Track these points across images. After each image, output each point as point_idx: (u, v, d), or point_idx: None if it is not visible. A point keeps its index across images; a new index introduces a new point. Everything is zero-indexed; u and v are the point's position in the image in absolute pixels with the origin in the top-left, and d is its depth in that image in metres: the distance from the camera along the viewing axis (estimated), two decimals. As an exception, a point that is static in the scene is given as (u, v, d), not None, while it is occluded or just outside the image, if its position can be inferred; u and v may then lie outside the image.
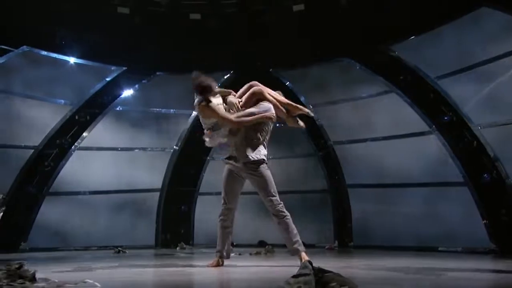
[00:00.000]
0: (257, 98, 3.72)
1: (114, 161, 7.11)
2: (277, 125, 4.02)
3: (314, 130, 7.13)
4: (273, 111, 3.69)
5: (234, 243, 6.63)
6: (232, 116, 3.61)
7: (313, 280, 2.13)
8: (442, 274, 3.22)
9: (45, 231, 6.50)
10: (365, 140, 6.65)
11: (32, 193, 6.54)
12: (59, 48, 6.56)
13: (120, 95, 7.21)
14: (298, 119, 3.93)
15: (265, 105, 3.68)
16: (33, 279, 2.51)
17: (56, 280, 2.50)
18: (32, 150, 6.53)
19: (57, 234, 6.58)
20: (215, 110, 3.59)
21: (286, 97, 3.97)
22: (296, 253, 3.49)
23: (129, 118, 7.27)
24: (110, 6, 6.54)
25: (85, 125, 6.94)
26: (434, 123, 5.99)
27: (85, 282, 2.51)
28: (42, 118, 6.61)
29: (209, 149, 7.58)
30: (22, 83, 6.39)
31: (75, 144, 6.89)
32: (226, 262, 3.77)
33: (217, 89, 3.77)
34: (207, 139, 3.70)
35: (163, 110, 7.43)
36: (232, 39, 6.95)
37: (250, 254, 5.14)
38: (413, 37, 6.16)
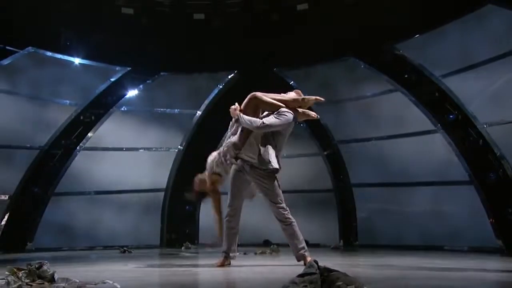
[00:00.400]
0: (255, 103, 3.61)
1: (119, 161, 7.12)
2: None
3: (319, 129, 7.11)
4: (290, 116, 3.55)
5: (239, 243, 6.65)
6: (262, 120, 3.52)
7: (319, 279, 2.13)
8: (447, 273, 3.21)
9: (51, 231, 6.52)
10: (370, 139, 6.63)
11: (37, 193, 6.58)
12: (64, 48, 6.59)
13: (125, 95, 7.23)
14: (308, 112, 3.83)
15: (284, 111, 3.57)
16: (52, 279, 2.52)
17: (77, 281, 2.51)
18: (38, 151, 6.57)
19: (63, 234, 6.61)
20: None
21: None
22: (302, 258, 3.54)
23: (134, 118, 7.29)
24: (114, 6, 6.57)
25: (90, 126, 6.96)
26: (439, 121, 5.96)
27: (104, 283, 2.52)
28: (47, 118, 6.64)
29: (214, 149, 7.60)
30: (27, 84, 6.42)
31: (80, 144, 6.91)
32: (233, 262, 3.77)
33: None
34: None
35: (168, 110, 7.43)
36: (236, 39, 6.95)
37: (255, 253, 5.14)
38: (417, 35, 6.13)
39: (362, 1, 6.23)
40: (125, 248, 6.05)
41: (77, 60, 6.77)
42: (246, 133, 3.58)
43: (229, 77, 7.45)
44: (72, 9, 6.24)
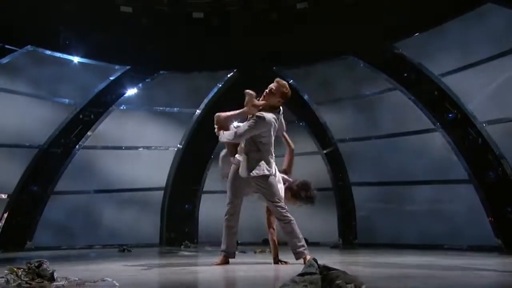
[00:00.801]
0: (219, 122, 3.64)
1: (118, 160, 7.12)
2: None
3: (318, 128, 7.12)
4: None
5: (239, 241, 6.65)
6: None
7: (319, 279, 2.13)
8: (447, 272, 3.21)
9: (50, 230, 6.53)
10: (369, 138, 6.63)
11: (37, 192, 6.58)
12: (63, 47, 6.57)
13: (124, 94, 7.22)
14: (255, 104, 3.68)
15: (257, 116, 3.52)
16: (51, 278, 2.53)
17: (77, 279, 2.52)
18: (37, 149, 6.55)
19: (62, 233, 6.61)
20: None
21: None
22: (301, 256, 3.54)
23: (133, 117, 7.27)
24: (114, 5, 6.54)
25: (90, 124, 6.95)
26: (439, 120, 5.97)
27: (104, 281, 2.53)
28: (47, 117, 6.63)
29: (213, 147, 7.63)
30: (26, 83, 6.41)
31: (80, 143, 6.91)
32: (233, 260, 3.77)
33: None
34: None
35: (167, 109, 7.43)
36: (235, 37, 6.94)
37: (255, 252, 5.14)
38: (417, 34, 6.12)
39: (361, 0, 6.22)
40: (124, 247, 6.05)
41: (76, 59, 6.76)
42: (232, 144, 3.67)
43: (229, 76, 7.45)
44: (71, 8, 6.22)
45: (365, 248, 5.96)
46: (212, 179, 7.39)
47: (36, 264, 2.61)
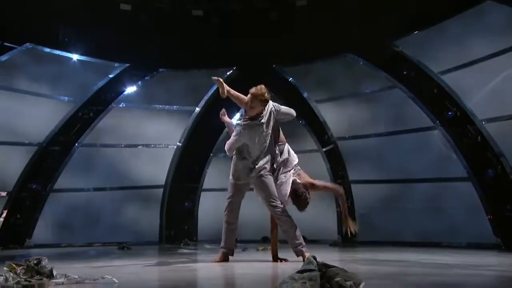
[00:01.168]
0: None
1: (117, 157, 7.11)
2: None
3: (318, 126, 7.11)
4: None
5: (238, 239, 6.65)
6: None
7: (318, 276, 2.13)
8: (445, 269, 3.22)
9: (49, 227, 6.52)
10: (368, 136, 6.62)
11: (36, 189, 6.57)
12: (62, 45, 6.55)
13: (123, 91, 7.20)
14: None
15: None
16: (50, 275, 2.53)
17: (76, 276, 2.53)
18: (36, 147, 6.54)
19: (62, 231, 6.61)
20: None
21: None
22: (300, 253, 3.57)
23: (132, 114, 7.26)
24: (113, 2, 6.52)
25: (89, 122, 6.94)
26: (438, 118, 5.95)
27: (103, 278, 2.53)
28: (46, 115, 6.61)
29: (213, 145, 7.62)
30: (25, 80, 6.39)
31: (79, 140, 6.90)
32: (232, 258, 3.78)
33: None
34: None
35: (166, 107, 7.41)
36: (235, 35, 6.92)
37: (257, 249, 5.14)
38: (416, 32, 6.11)
39: (360, -3, 6.21)
40: (124, 245, 6.05)
41: (75, 57, 6.74)
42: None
43: (228, 73, 7.42)
44: (70, 6, 6.19)
45: (364, 246, 5.96)
46: (211, 177, 7.40)
47: (35, 262, 2.62)
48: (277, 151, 3.75)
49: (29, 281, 2.46)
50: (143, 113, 7.33)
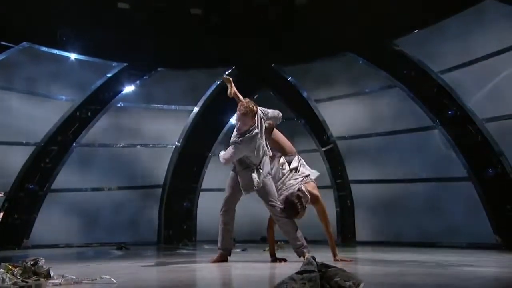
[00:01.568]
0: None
1: (116, 157, 7.07)
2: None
3: (317, 125, 7.08)
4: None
5: (236, 239, 6.63)
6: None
7: (318, 277, 2.12)
8: (445, 269, 3.20)
9: (47, 228, 6.48)
10: (368, 136, 6.59)
11: (34, 190, 6.52)
12: (60, 44, 6.50)
13: (121, 91, 7.15)
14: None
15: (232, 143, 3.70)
16: (48, 275, 2.53)
17: (74, 277, 2.51)
18: (34, 147, 6.50)
19: (59, 231, 6.57)
20: None
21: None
22: (301, 254, 3.58)
23: (131, 114, 7.23)
24: (111, 1, 6.48)
25: (87, 122, 6.89)
26: (438, 117, 5.93)
27: (102, 278, 2.51)
28: (43, 114, 6.56)
29: (211, 145, 7.59)
30: (22, 80, 6.35)
31: (77, 140, 6.86)
32: (231, 258, 3.76)
33: None
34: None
35: (165, 106, 7.38)
36: (234, 34, 6.89)
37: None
38: (416, 31, 6.08)
39: (360, -4, 6.18)
40: (122, 245, 6.02)
41: (73, 56, 6.69)
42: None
43: (227, 73, 7.39)
44: (68, 4, 6.15)
45: (363, 246, 5.94)
46: (210, 177, 7.37)
47: (32, 262, 2.62)
48: (269, 151, 3.82)
49: (26, 282, 2.45)
50: (141, 113, 7.29)
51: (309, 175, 3.85)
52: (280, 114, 4.01)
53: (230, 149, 3.65)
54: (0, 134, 6.17)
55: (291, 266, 3.16)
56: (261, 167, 3.68)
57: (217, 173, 7.41)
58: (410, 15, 5.92)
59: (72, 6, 6.16)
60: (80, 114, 6.84)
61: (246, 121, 3.62)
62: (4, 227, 6.17)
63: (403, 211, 6.09)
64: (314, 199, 3.72)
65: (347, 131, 6.86)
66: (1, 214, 6.15)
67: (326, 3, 6.38)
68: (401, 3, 5.89)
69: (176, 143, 7.36)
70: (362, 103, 6.66)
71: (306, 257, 3.38)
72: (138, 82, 7.27)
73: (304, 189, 3.66)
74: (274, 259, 3.73)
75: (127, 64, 7.05)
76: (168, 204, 7.25)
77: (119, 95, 7.15)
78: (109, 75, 7.01)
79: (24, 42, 6.27)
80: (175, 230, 7.25)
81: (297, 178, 3.78)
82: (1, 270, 2.55)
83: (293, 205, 3.54)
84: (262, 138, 3.72)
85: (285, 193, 3.68)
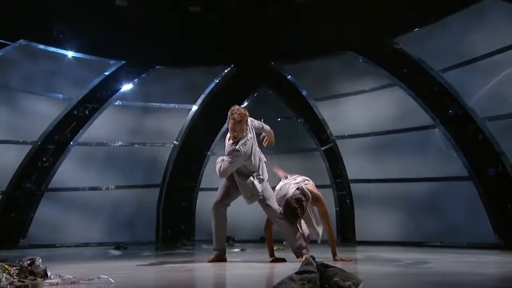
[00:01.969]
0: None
1: (113, 156, 7.02)
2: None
3: (317, 124, 7.05)
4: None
5: (236, 239, 6.59)
6: None
7: (318, 278, 2.10)
8: (445, 269, 3.18)
9: (44, 227, 6.43)
10: (368, 135, 6.56)
11: (30, 189, 6.47)
12: (57, 41, 6.45)
13: (119, 89, 7.11)
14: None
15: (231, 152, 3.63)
16: (45, 275, 2.51)
17: (71, 276, 2.49)
18: (31, 146, 6.45)
19: (57, 231, 6.52)
20: None
21: None
22: (299, 255, 3.56)
23: (129, 112, 7.18)
24: (109, -1, 6.43)
25: (84, 120, 6.85)
26: (439, 116, 5.89)
27: (99, 278, 2.50)
28: (40, 113, 6.52)
29: (210, 144, 7.55)
30: (19, 78, 6.31)
31: (74, 139, 6.81)
32: (230, 258, 3.74)
33: None
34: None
35: (163, 105, 7.34)
36: (233, 32, 6.85)
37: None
38: (417, 29, 6.05)
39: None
40: (120, 245, 5.98)
41: (70, 54, 6.65)
42: None
43: (226, 71, 7.36)
44: (65, 1, 6.10)
45: (363, 245, 5.91)
46: (209, 176, 7.33)
47: (28, 262, 2.59)
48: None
49: (23, 282, 2.42)
50: (139, 111, 7.25)
51: (307, 178, 3.85)
52: (267, 127, 3.98)
53: (229, 158, 3.58)
54: (-4, 132, 6.13)
55: (290, 266, 3.13)
56: (261, 173, 3.66)
57: (216, 173, 7.37)
58: (411, 13, 5.89)
59: (69, 3, 6.11)
60: (77, 112, 6.79)
61: (242, 127, 3.58)
62: (1, 226, 6.11)
63: (403, 211, 6.06)
64: (316, 199, 3.69)
65: (346, 130, 6.82)
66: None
67: (326, 0, 6.34)
68: (401, 1, 5.86)
69: (175, 142, 7.32)
70: (362, 102, 6.62)
71: (304, 257, 3.35)
72: (136, 80, 7.23)
73: (304, 188, 3.63)
74: (273, 260, 3.69)
75: (125, 62, 7.01)
76: (166, 204, 7.21)
77: (117, 93, 7.11)
78: (106, 73, 6.97)
79: (21, 40, 6.23)
80: (174, 230, 7.21)
81: (296, 179, 3.76)
82: (-2, 269, 2.51)
83: (294, 210, 3.52)
84: (255, 143, 3.70)
85: (282, 193, 3.64)
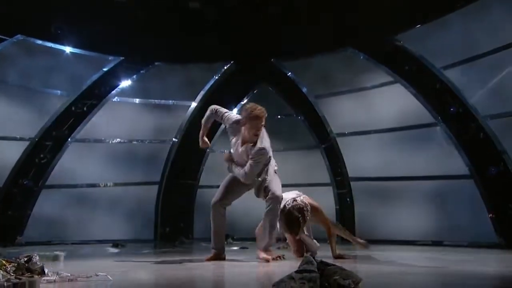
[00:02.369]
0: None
1: (111, 153, 6.98)
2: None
3: (317, 122, 7.00)
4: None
5: (235, 237, 6.55)
6: None
7: (318, 278, 2.08)
8: (445, 268, 3.16)
9: (41, 224, 6.39)
10: (368, 132, 6.52)
11: (28, 186, 6.42)
12: (55, 37, 6.40)
13: (118, 85, 7.05)
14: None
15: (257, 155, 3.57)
16: (42, 272, 2.49)
17: (69, 274, 2.48)
18: (28, 142, 6.40)
19: (54, 228, 6.48)
20: None
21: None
22: (263, 252, 3.55)
23: (127, 109, 7.13)
24: (107, -7, 6.36)
25: (82, 117, 6.79)
26: (440, 114, 5.84)
27: (97, 275, 2.48)
28: (38, 109, 6.47)
29: (210, 141, 7.47)
30: (16, 73, 6.23)
31: (72, 135, 6.76)
32: (229, 256, 3.70)
33: None
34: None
35: (162, 101, 7.29)
36: (232, 28, 6.79)
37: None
38: (418, 25, 6.00)
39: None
40: (118, 242, 5.94)
41: (68, 49, 6.59)
42: None
43: (225, 67, 7.31)
44: (63, -4, 6.04)
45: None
46: (208, 174, 7.28)
47: (26, 259, 2.57)
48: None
49: (20, 279, 2.38)
50: (138, 108, 7.20)
51: (300, 193, 3.84)
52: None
53: (256, 158, 3.49)
54: (-7, 128, 6.08)
55: (290, 265, 3.09)
56: (269, 164, 3.63)
57: (216, 170, 7.33)
58: (412, 9, 5.84)
59: (67, -2, 6.05)
60: (75, 109, 6.74)
61: (264, 122, 3.54)
62: (-3, 223, 6.07)
63: (403, 209, 6.02)
64: (314, 209, 3.70)
65: (347, 128, 6.78)
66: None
67: (326, -3, 6.29)
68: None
69: (174, 139, 7.27)
70: (363, 99, 6.58)
71: (261, 256, 3.44)
72: (134, 76, 7.17)
73: (300, 200, 3.61)
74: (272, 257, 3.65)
75: (123, 58, 6.95)
76: (165, 201, 7.17)
77: (115, 89, 7.05)
78: (105, 69, 6.91)
79: (18, 35, 6.16)
80: (172, 228, 7.17)
81: (288, 195, 3.76)
82: (-5, 265, 2.48)
83: (297, 220, 3.52)
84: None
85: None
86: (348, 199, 6.69)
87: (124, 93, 7.15)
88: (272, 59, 7.16)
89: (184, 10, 6.68)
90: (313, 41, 6.51)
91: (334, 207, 6.76)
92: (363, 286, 2.05)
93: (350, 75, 6.66)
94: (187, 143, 7.26)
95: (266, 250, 3.51)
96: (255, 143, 3.50)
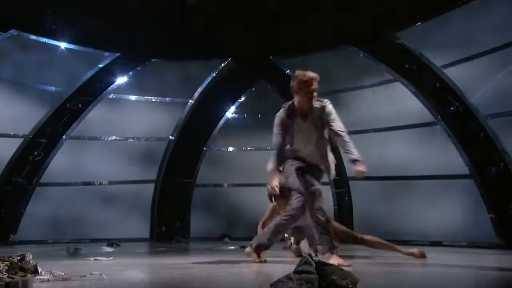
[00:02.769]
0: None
1: (107, 150, 6.90)
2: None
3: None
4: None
5: (232, 236, 6.48)
6: None
7: (316, 279, 2.05)
8: (444, 269, 3.12)
9: (35, 223, 6.30)
10: (367, 131, 6.46)
11: (21, 184, 6.33)
12: (49, 32, 6.31)
13: (114, 82, 6.98)
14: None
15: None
16: (35, 271, 2.43)
17: (62, 273, 2.44)
18: (22, 139, 6.31)
19: (48, 227, 6.41)
20: None
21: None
22: (252, 251, 3.44)
23: (123, 106, 7.05)
24: (103, -12, 6.27)
25: (77, 113, 6.72)
26: (440, 113, 5.81)
27: (91, 274, 2.46)
28: (32, 105, 6.38)
29: (206, 139, 7.44)
30: (10, 69, 6.17)
31: (67, 133, 6.67)
32: (226, 256, 3.64)
33: None
34: None
35: (159, 98, 7.21)
36: (230, 25, 6.72)
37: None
38: (419, 23, 5.95)
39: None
40: (113, 241, 5.86)
41: (63, 45, 6.51)
42: None
43: (223, 65, 7.24)
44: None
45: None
46: (205, 172, 7.21)
47: (18, 258, 2.50)
48: None
49: (13, 278, 2.32)
50: (134, 105, 7.14)
51: None
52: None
53: (335, 112, 3.45)
54: (-14, 125, 5.98)
55: (288, 265, 3.03)
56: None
57: (212, 168, 7.26)
58: (412, 7, 5.79)
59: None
60: (70, 105, 6.67)
61: (296, 92, 3.38)
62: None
63: (403, 209, 5.98)
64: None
65: (346, 126, 6.68)
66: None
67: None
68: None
69: (170, 136, 7.20)
70: (363, 97, 6.53)
71: (246, 251, 3.42)
72: (131, 73, 7.11)
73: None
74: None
75: (119, 54, 6.88)
76: (161, 200, 7.10)
77: (111, 86, 6.98)
78: (100, 66, 6.85)
79: (12, 30, 6.08)
80: (168, 227, 7.09)
81: None
82: (-13, 263, 2.42)
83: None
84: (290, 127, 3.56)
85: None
86: (346, 198, 6.64)
87: (120, 89, 7.07)
88: (271, 57, 7.09)
89: (182, 6, 6.60)
90: (312, 38, 6.45)
91: (332, 207, 6.70)
92: (361, 286, 2.03)
93: (349, 73, 6.61)
94: (184, 141, 7.20)
95: (256, 250, 3.40)
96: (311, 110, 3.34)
